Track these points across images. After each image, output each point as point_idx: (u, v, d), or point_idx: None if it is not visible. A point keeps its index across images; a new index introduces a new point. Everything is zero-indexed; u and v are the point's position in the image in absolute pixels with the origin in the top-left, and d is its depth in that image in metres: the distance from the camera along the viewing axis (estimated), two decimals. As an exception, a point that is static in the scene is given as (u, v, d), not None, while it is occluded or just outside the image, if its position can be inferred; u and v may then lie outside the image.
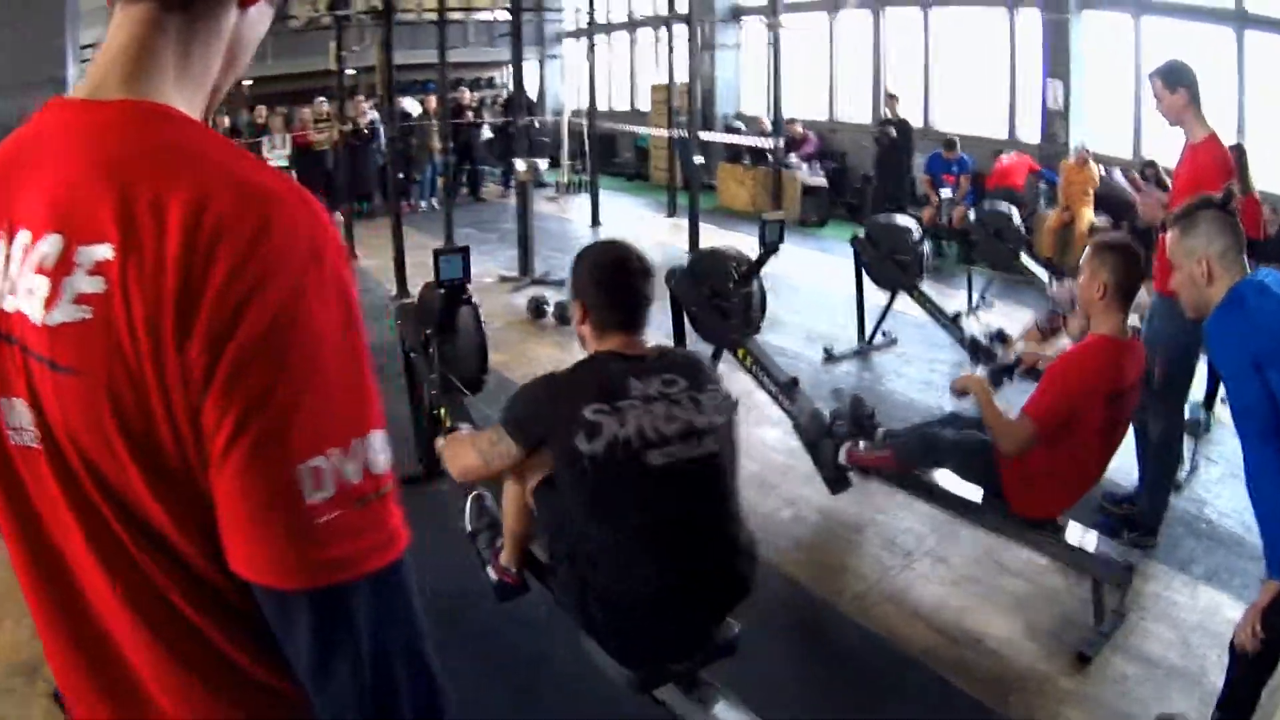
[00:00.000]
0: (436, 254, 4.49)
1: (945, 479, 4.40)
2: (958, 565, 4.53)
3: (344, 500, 0.95)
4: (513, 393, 2.94)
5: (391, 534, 1.00)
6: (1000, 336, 6.69)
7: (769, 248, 5.55)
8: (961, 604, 4.25)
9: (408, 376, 5.30)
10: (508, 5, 12.06)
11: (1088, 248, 3.91)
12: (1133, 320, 3.93)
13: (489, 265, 11.56)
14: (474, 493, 3.91)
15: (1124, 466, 5.05)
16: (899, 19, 14.71)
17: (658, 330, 7.91)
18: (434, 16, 11.64)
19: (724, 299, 5.71)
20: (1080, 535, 4.02)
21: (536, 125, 18.89)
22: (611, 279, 2.81)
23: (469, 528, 3.83)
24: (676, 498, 2.67)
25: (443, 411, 4.69)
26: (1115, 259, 3.71)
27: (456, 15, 14.71)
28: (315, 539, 0.93)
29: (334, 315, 0.97)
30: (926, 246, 7.51)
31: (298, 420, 0.93)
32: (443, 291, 4.56)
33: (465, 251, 4.55)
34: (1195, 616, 4.08)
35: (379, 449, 0.99)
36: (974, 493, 4.24)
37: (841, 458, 4.69)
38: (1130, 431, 4.27)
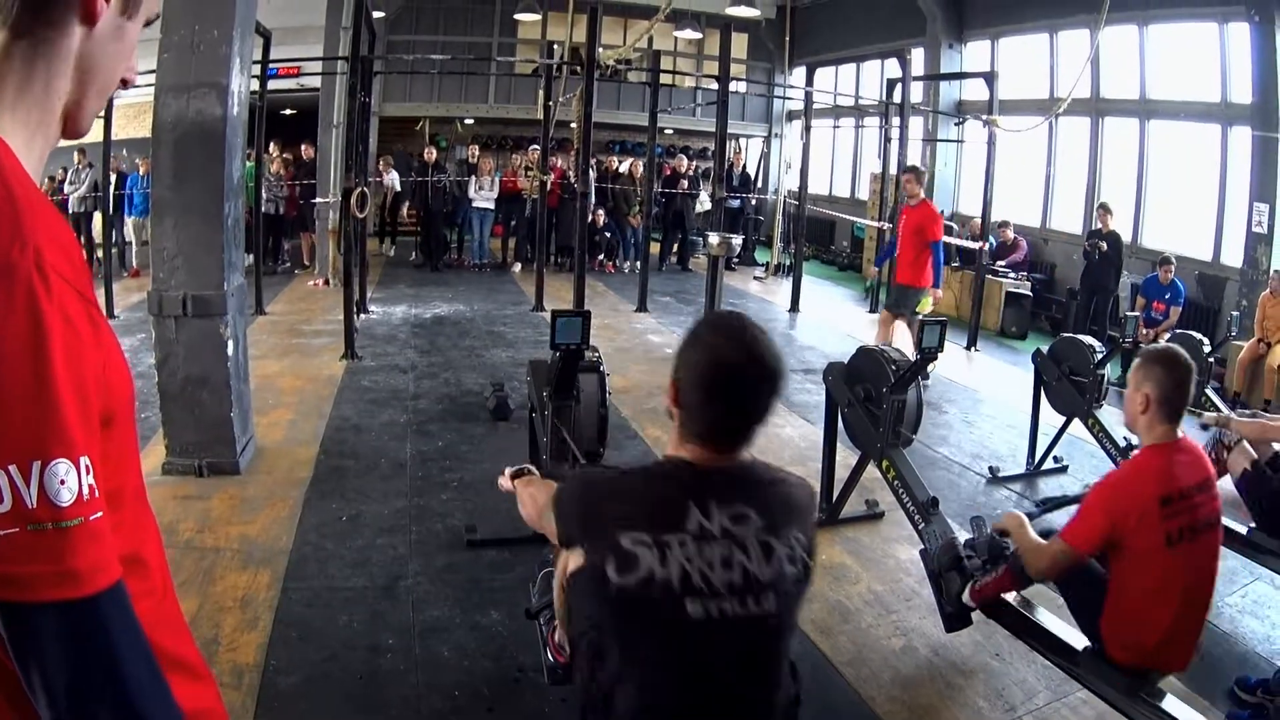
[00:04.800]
0: (554, 315, 4.32)
1: (1046, 617, 4.02)
2: (1063, 734, 4.00)
3: (16, 519, 0.99)
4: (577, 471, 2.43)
5: (73, 571, 1.02)
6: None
7: (925, 354, 5.16)
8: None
9: (530, 434, 5.16)
10: (714, 74, 12.07)
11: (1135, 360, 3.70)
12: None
13: (676, 338, 11.37)
14: (545, 570, 3.72)
15: (1259, 641, 4.73)
16: (1116, 128, 14.18)
17: (809, 419, 7.89)
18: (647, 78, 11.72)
19: (875, 404, 5.37)
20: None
21: (753, 202, 18.90)
22: (716, 379, 2.13)
23: (533, 603, 3.64)
24: (711, 657, 2.12)
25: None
26: (1160, 371, 3.53)
27: (666, 79, 14.79)
28: None
29: (16, 332, 1.00)
30: (1108, 370, 6.94)
31: None
32: (558, 354, 4.38)
33: (585, 316, 4.35)
34: None
35: (64, 480, 1.02)
36: (1076, 638, 3.82)
37: (966, 596, 4.25)
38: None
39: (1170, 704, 3.47)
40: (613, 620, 2.16)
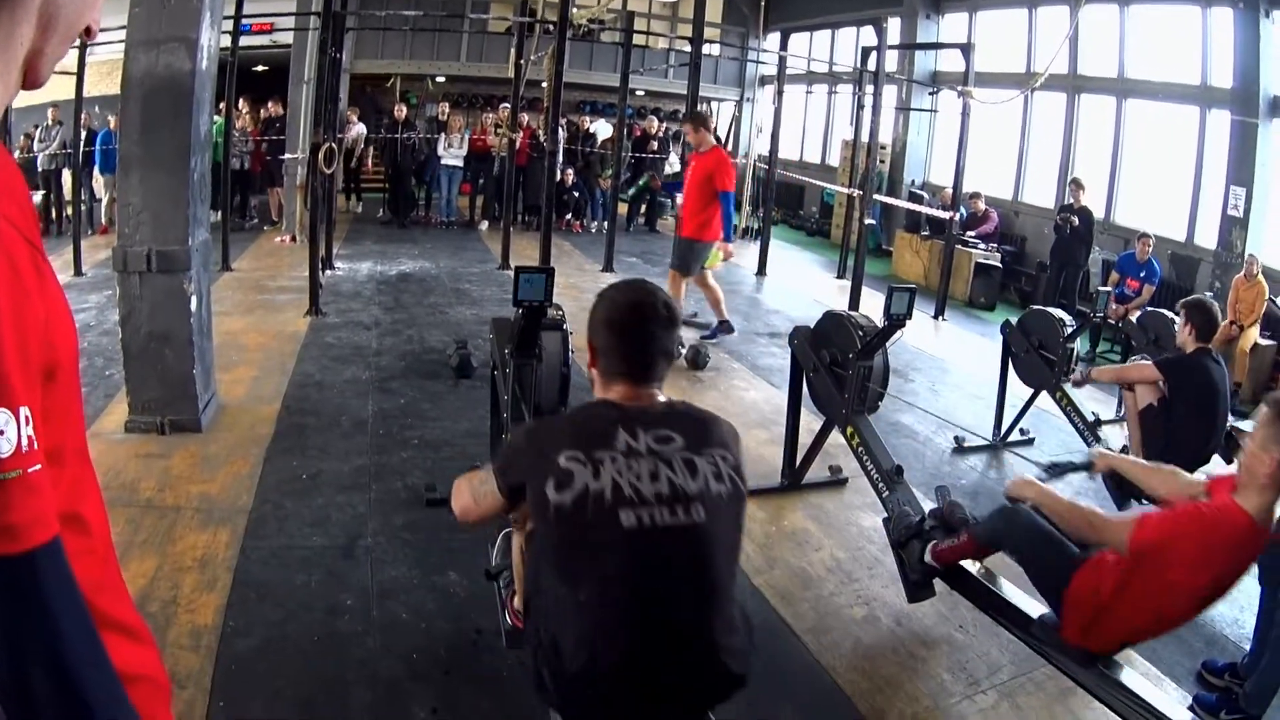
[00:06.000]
0: (518, 270, 4.28)
1: (1009, 589, 4.00)
2: (1026, 709, 3.96)
3: None
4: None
5: (9, 526, 0.99)
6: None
7: (894, 320, 5.12)
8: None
9: (491, 392, 5.11)
10: (688, 36, 11.97)
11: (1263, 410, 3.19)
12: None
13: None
14: (505, 530, 3.69)
15: (1227, 625, 4.70)
16: (1093, 106, 14.25)
17: (773, 383, 7.90)
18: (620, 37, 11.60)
19: (842, 368, 5.35)
20: (1172, 707, 3.39)
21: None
22: (624, 324, 2.52)
23: (492, 565, 3.62)
24: (649, 567, 2.31)
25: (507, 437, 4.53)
26: None
27: (639, 40, 14.64)
28: None
29: None
30: (1077, 344, 6.96)
31: None
32: (521, 311, 4.33)
33: (549, 273, 4.32)
34: None
35: (3, 430, 0.98)
36: (1031, 607, 3.81)
37: (927, 555, 4.21)
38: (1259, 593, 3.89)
39: (1136, 684, 3.46)
40: (555, 544, 2.37)
